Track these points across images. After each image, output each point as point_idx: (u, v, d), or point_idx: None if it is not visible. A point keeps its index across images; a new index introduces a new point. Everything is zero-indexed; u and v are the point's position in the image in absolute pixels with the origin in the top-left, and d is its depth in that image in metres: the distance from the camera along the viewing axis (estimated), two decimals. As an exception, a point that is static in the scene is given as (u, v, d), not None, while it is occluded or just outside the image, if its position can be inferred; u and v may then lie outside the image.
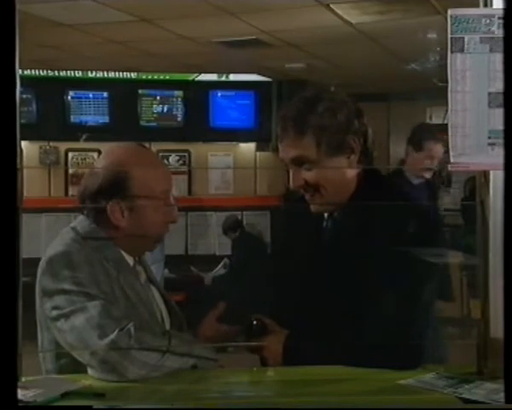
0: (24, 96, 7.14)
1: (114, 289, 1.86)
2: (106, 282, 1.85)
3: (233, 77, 7.95)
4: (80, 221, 1.97)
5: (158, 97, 7.86)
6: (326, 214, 2.01)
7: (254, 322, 1.98)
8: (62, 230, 1.96)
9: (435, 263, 1.90)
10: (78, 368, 1.77)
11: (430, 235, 1.90)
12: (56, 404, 1.48)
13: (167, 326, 2.02)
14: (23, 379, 1.53)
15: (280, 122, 1.96)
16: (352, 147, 1.93)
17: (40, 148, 7.64)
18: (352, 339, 1.77)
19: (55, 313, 1.81)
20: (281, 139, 1.97)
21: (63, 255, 1.85)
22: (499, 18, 1.54)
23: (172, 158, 7.98)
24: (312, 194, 1.95)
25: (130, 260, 1.98)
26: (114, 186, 1.91)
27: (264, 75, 7.82)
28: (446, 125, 1.56)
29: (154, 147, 7.80)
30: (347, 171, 1.94)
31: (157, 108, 7.86)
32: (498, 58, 1.54)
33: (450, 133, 1.56)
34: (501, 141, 1.52)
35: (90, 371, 1.74)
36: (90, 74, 7.76)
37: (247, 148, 8.00)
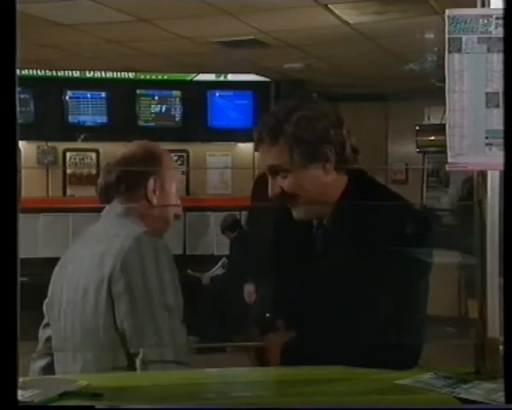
0: (22, 96, 7.14)
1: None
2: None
3: (231, 77, 7.96)
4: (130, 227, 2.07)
5: (156, 97, 7.87)
6: (315, 222, 2.01)
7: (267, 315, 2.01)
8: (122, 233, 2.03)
9: (427, 264, 1.91)
10: None
11: (421, 236, 1.90)
12: (55, 404, 1.48)
13: None
14: (20, 379, 1.53)
15: (257, 130, 1.98)
16: (327, 156, 1.91)
17: (38, 148, 7.64)
18: (344, 346, 1.78)
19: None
20: (257, 147, 1.99)
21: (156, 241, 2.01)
22: (497, 18, 1.54)
23: (170, 158, 7.99)
24: (293, 202, 1.95)
25: None
26: (151, 160, 2.08)
27: (262, 75, 7.82)
28: (444, 125, 1.57)
29: (153, 147, 7.83)
30: (324, 178, 1.93)
31: (155, 108, 7.87)
32: (496, 58, 1.54)
33: (447, 133, 1.56)
34: (498, 141, 1.52)
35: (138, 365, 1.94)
36: (88, 74, 7.76)
37: (246, 148, 8.00)
